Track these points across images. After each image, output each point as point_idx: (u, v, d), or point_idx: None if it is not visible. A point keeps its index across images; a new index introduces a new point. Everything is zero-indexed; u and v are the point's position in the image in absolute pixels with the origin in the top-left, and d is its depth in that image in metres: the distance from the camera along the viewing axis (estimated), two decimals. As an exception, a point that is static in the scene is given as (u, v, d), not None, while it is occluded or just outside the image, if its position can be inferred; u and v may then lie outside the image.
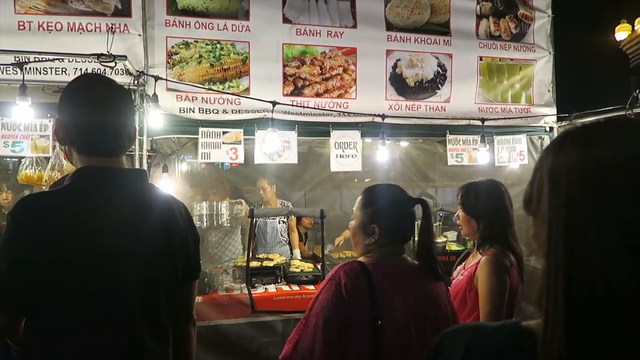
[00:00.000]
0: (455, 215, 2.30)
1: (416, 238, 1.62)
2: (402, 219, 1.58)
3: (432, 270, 1.57)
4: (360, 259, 1.55)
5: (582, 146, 0.59)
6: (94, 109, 1.28)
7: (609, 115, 3.60)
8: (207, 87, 3.63)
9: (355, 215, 1.63)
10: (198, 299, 2.94)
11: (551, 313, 0.57)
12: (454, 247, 4.78)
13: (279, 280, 3.67)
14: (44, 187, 3.23)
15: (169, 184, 3.68)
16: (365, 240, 1.58)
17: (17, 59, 3.00)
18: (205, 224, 4.16)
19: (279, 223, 4.64)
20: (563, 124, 4.40)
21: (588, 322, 0.54)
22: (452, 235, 5.12)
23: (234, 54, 3.70)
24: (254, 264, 3.66)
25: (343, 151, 3.88)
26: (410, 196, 1.64)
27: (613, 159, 0.56)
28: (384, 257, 1.53)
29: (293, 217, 4.65)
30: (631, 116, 3.55)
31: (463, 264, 2.23)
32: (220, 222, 4.17)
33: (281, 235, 4.63)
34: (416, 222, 1.62)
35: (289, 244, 4.68)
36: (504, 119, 4.27)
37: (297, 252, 4.60)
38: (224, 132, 3.61)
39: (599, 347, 0.53)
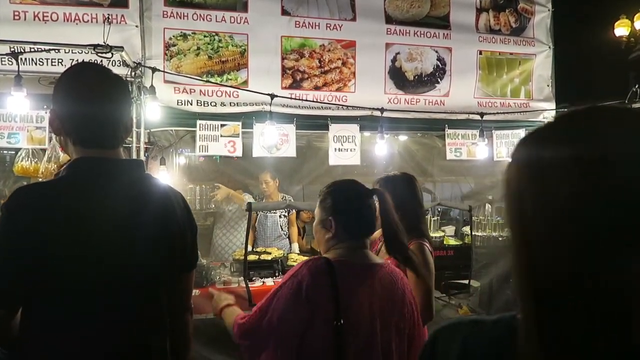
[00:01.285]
0: None
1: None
2: (358, 212, 1.58)
3: (404, 258, 1.60)
4: (326, 255, 1.55)
5: (560, 141, 0.57)
6: (90, 100, 1.24)
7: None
8: (205, 79, 3.59)
9: (316, 212, 1.66)
10: (195, 292, 2.94)
11: (524, 312, 0.56)
12: (452, 241, 4.78)
13: (277, 274, 3.67)
14: (40, 179, 3.21)
15: (166, 176, 3.67)
16: (325, 235, 1.59)
17: (12, 49, 2.96)
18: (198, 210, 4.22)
19: (280, 217, 4.64)
20: (562, 119, 4.39)
21: (562, 321, 0.52)
22: (450, 230, 5.10)
23: (232, 46, 3.67)
24: (251, 257, 3.65)
25: (342, 145, 3.86)
26: (367, 188, 1.65)
27: (593, 154, 0.53)
28: (346, 254, 1.52)
29: (293, 211, 4.65)
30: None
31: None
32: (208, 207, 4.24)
33: (281, 229, 4.64)
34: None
35: (289, 238, 4.68)
36: (503, 113, 4.25)
37: (295, 246, 4.60)
38: (222, 125, 3.59)
39: (572, 347, 0.52)
